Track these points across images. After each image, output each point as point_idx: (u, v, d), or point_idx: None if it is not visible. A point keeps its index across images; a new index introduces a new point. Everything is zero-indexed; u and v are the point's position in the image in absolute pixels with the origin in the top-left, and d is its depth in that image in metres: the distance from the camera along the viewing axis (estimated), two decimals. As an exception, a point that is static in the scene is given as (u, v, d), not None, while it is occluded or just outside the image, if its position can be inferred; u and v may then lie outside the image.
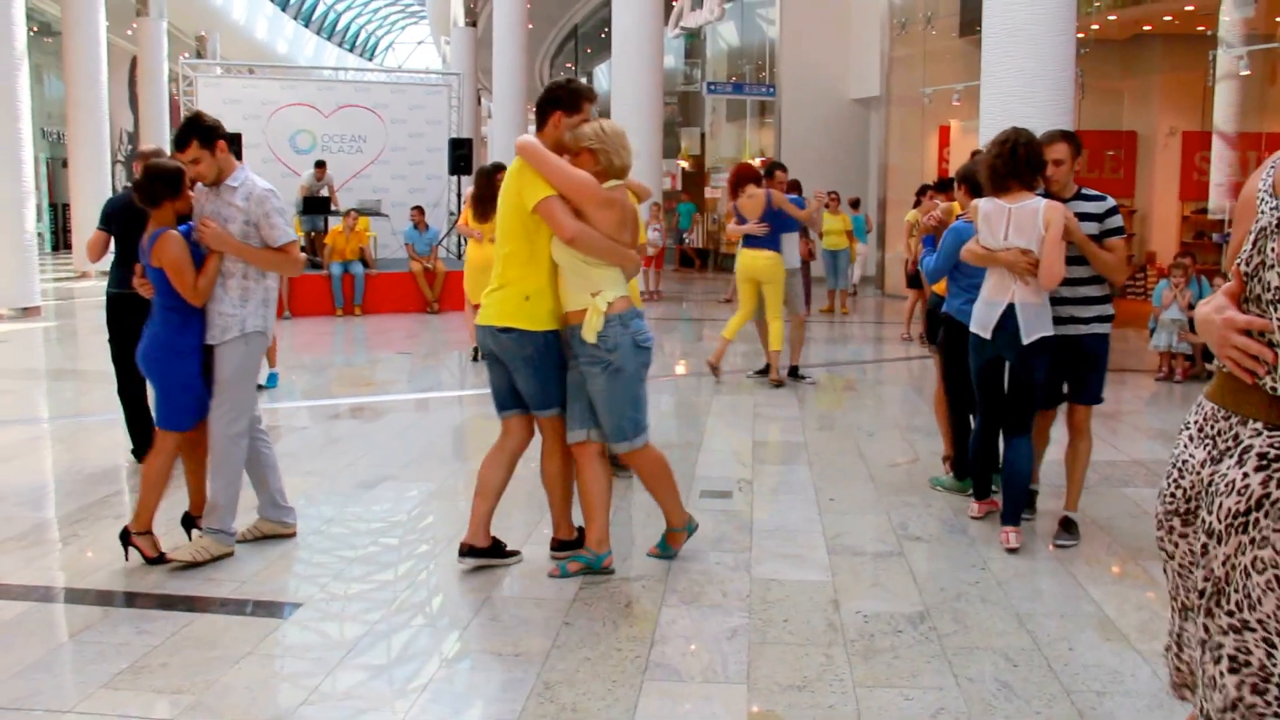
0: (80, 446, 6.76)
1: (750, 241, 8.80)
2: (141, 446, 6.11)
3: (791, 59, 20.45)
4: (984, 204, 4.76)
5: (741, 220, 8.80)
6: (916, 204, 12.92)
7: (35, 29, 28.76)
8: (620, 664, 3.50)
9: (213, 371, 4.47)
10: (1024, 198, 4.61)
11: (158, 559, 4.41)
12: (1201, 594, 2.00)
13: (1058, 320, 4.73)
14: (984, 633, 3.82)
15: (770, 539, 4.87)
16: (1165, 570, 2.25)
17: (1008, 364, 4.76)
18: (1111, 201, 4.82)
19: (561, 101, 4.24)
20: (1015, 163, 4.58)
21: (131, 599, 4.07)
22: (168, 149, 18.43)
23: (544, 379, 4.24)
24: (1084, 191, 4.83)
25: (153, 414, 5.05)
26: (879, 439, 7.10)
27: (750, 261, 8.84)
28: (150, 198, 4.43)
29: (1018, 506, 4.79)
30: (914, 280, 12.22)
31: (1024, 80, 9.34)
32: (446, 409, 8.42)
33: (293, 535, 4.79)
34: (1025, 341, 4.63)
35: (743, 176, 8.92)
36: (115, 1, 24.22)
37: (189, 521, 4.67)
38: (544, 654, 3.57)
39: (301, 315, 13.89)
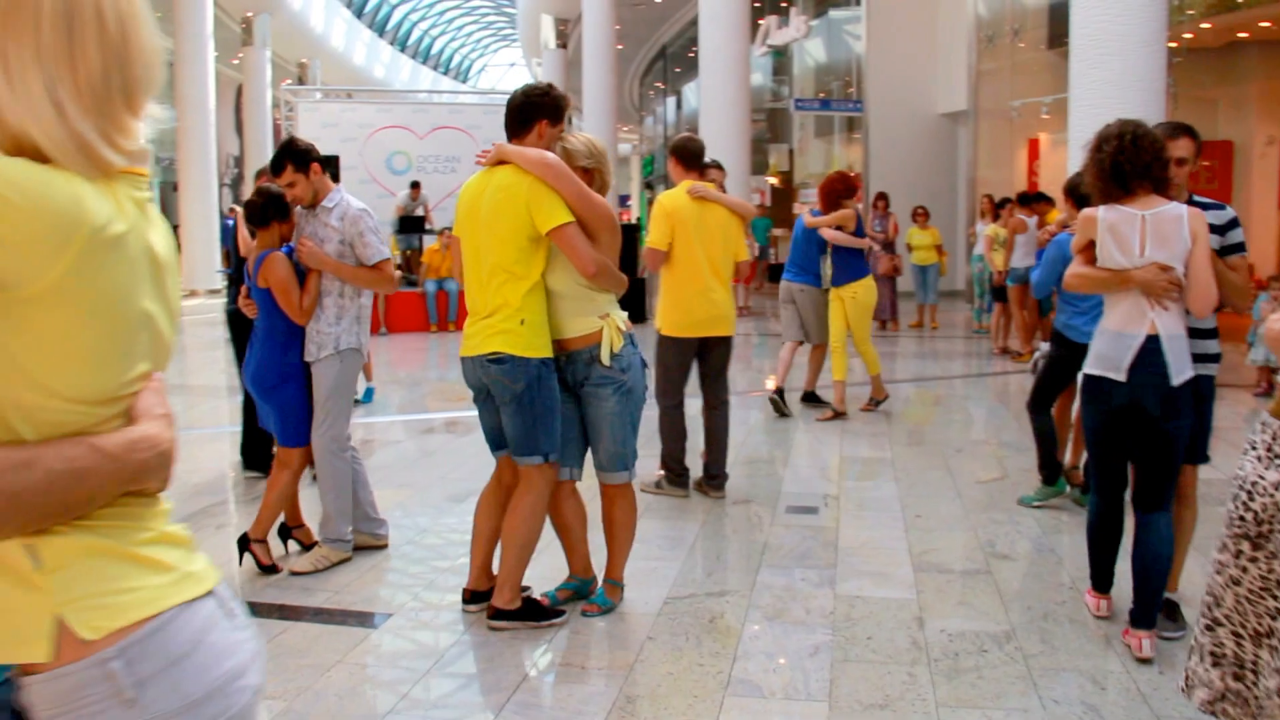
0: (187, 458, 7.03)
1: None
2: (251, 459, 6.35)
3: (878, 74, 20.30)
4: (1105, 213, 3.73)
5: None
6: (995, 217, 12.74)
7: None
8: (702, 679, 3.53)
9: (311, 388, 4.64)
10: (1157, 202, 3.70)
11: (270, 568, 4.62)
12: None
13: None
14: (1071, 654, 3.74)
15: (855, 556, 4.84)
16: (1220, 594, 2.10)
17: (1141, 414, 3.73)
18: (1233, 212, 4.04)
19: (547, 110, 3.87)
20: (1141, 158, 3.67)
21: (231, 606, 4.22)
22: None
23: (532, 418, 3.81)
24: (1197, 199, 3.98)
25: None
26: (967, 455, 7.00)
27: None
28: (260, 219, 4.63)
29: (1153, 603, 3.76)
30: (1000, 293, 12.04)
31: (1113, 91, 9.13)
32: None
33: (384, 547, 4.93)
34: (1175, 383, 3.66)
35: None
36: (223, 33, 25.18)
37: (286, 533, 4.87)
38: (627, 667, 3.62)
39: (397, 331, 14.24)
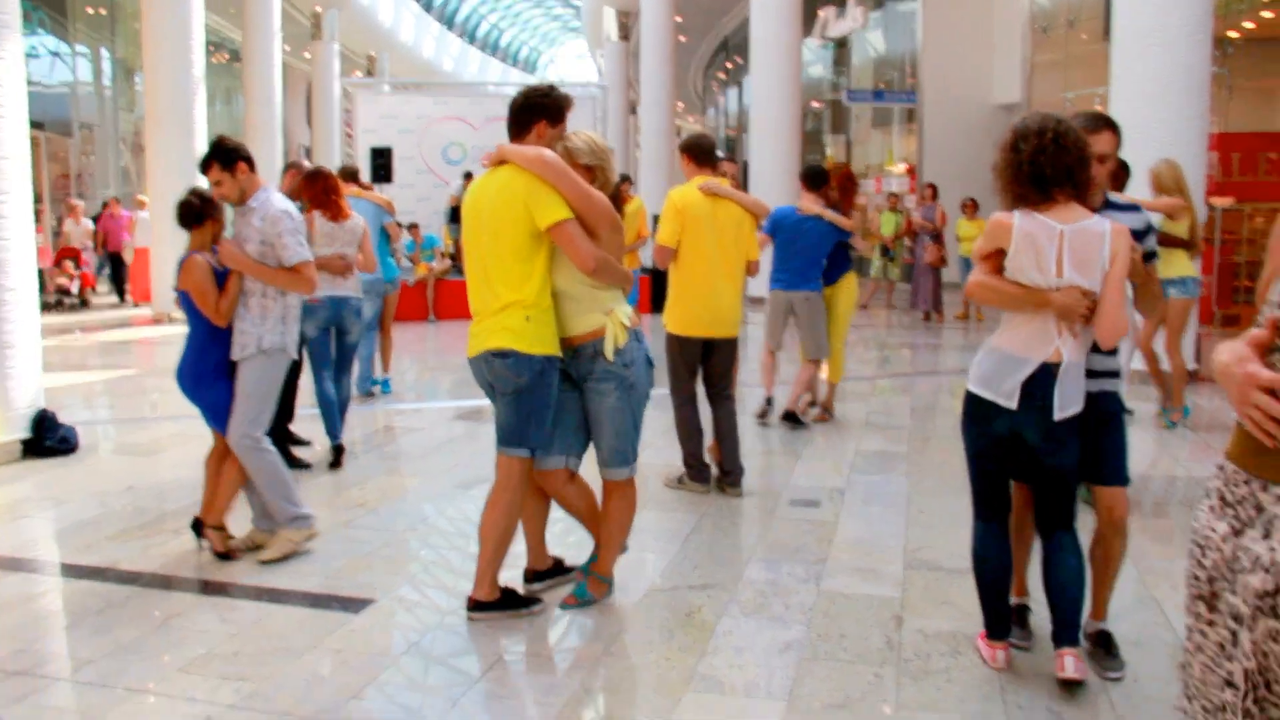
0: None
1: None
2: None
3: (933, 65, 20.04)
4: (1022, 221, 3.28)
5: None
6: None
7: (227, 56, 30.82)
8: (665, 674, 3.55)
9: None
10: (1078, 214, 3.27)
11: (225, 554, 4.69)
12: (1240, 691, 1.72)
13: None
14: (1047, 657, 3.68)
15: (848, 551, 4.82)
16: (1189, 660, 1.85)
17: (1023, 445, 3.44)
18: (1149, 216, 3.69)
19: (547, 110, 3.88)
20: (1064, 159, 3.22)
21: (224, 589, 4.35)
22: (338, 162, 19.50)
23: (526, 412, 3.86)
24: (1112, 199, 3.64)
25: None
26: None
27: None
28: (194, 218, 4.69)
29: (1073, 619, 3.50)
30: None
31: (1156, 84, 8.91)
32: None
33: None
34: (1058, 417, 3.33)
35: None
36: (294, 28, 25.66)
37: (197, 527, 4.82)
38: (593, 660, 3.66)
39: (446, 319, 14.43)
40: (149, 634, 3.85)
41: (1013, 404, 3.34)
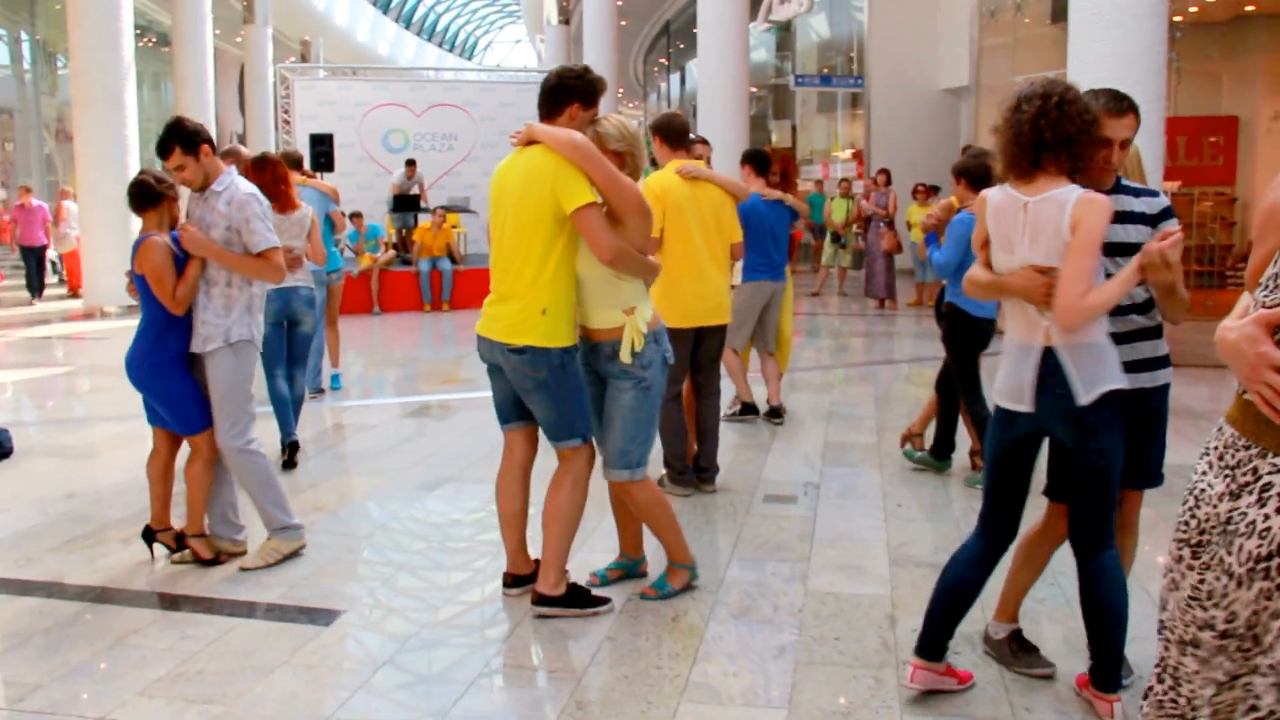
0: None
1: None
2: None
3: (880, 50, 20.04)
4: (993, 194, 3.11)
5: None
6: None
7: (153, 40, 29.93)
8: (658, 683, 3.39)
9: (206, 383, 4.43)
10: (1050, 186, 2.98)
11: (212, 561, 4.46)
12: (1221, 634, 1.84)
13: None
14: (1049, 658, 3.58)
15: (830, 548, 4.69)
16: (1165, 597, 2.00)
17: (1051, 441, 3.20)
18: (1166, 200, 3.30)
19: (581, 92, 3.80)
20: (1064, 128, 2.94)
21: (181, 603, 4.10)
22: (272, 148, 18.96)
23: (564, 403, 3.79)
24: (1125, 183, 3.28)
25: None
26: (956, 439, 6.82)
27: None
28: (150, 199, 4.43)
29: (1116, 659, 3.17)
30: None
31: (1114, 66, 8.89)
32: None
33: (243, 553, 4.58)
34: (1083, 401, 2.99)
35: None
36: (225, 11, 24.95)
37: (149, 535, 4.58)
38: (581, 670, 3.48)
39: (391, 311, 14.11)
40: (103, 654, 3.60)
41: (1026, 405, 3.07)
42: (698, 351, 5.50)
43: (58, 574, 4.41)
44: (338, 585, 4.30)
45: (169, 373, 4.40)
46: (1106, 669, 3.17)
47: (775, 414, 7.28)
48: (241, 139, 34.38)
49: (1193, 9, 14.97)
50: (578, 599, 3.92)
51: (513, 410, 3.99)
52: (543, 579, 3.89)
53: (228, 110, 32.10)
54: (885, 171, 14.78)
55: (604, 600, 3.97)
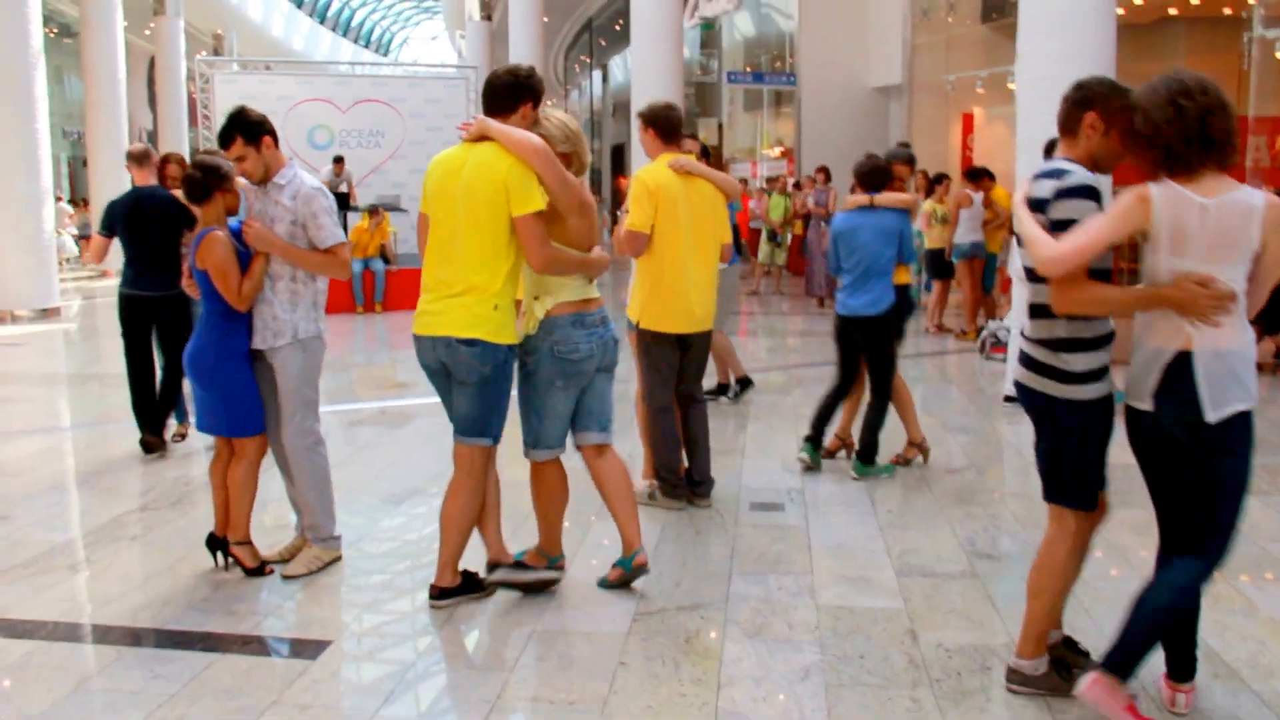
0: (98, 459, 6.45)
1: None
2: (149, 442, 6.34)
3: (810, 48, 20.06)
4: (1160, 192, 2.85)
5: None
6: (929, 193, 12.49)
7: (55, 30, 28.68)
8: (686, 712, 3.16)
9: (272, 379, 4.28)
10: (1223, 185, 2.83)
11: (258, 570, 4.27)
12: None
13: None
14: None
15: (831, 559, 4.51)
16: None
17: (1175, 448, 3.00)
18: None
19: (533, 92, 3.86)
20: (1230, 125, 2.83)
21: (147, 637, 3.74)
22: (185, 148, 18.30)
23: (489, 402, 3.84)
24: None
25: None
26: (930, 441, 6.71)
27: None
28: (201, 194, 4.24)
29: (1194, 650, 3.20)
30: (940, 271, 11.82)
31: (1063, 64, 8.90)
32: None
33: (338, 558, 4.47)
34: (1210, 419, 2.86)
35: None
36: (133, 2, 24.01)
37: (214, 543, 4.38)
38: (601, 701, 3.23)
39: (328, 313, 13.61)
40: (65, 701, 3.24)
41: (1147, 404, 2.96)
42: (683, 358, 5.23)
43: (0, 608, 4.01)
44: (317, 612, 3.98)
45: (234, 367, 4.24)
46: (1185, 660, 3.17)
47: (744, 385, 7.75)
48: (152, 136, 33.23)
49: (1120, 11, 15.21)
50: (470, 586, 4.01)
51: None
52: (441, 577, 3.95)
53: (137, 106, 30.95)
54: (824, 169, 14.73)
55: (490, 585, 4.06)
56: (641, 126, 5.16)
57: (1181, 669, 3.19)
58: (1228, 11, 15.01)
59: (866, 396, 5.97)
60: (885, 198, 5.72)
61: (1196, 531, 2.98)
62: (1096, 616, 3.87)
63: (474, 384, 3.81)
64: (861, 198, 5.77)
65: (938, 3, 17.26)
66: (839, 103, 19.78)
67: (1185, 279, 2.82)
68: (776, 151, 22.36)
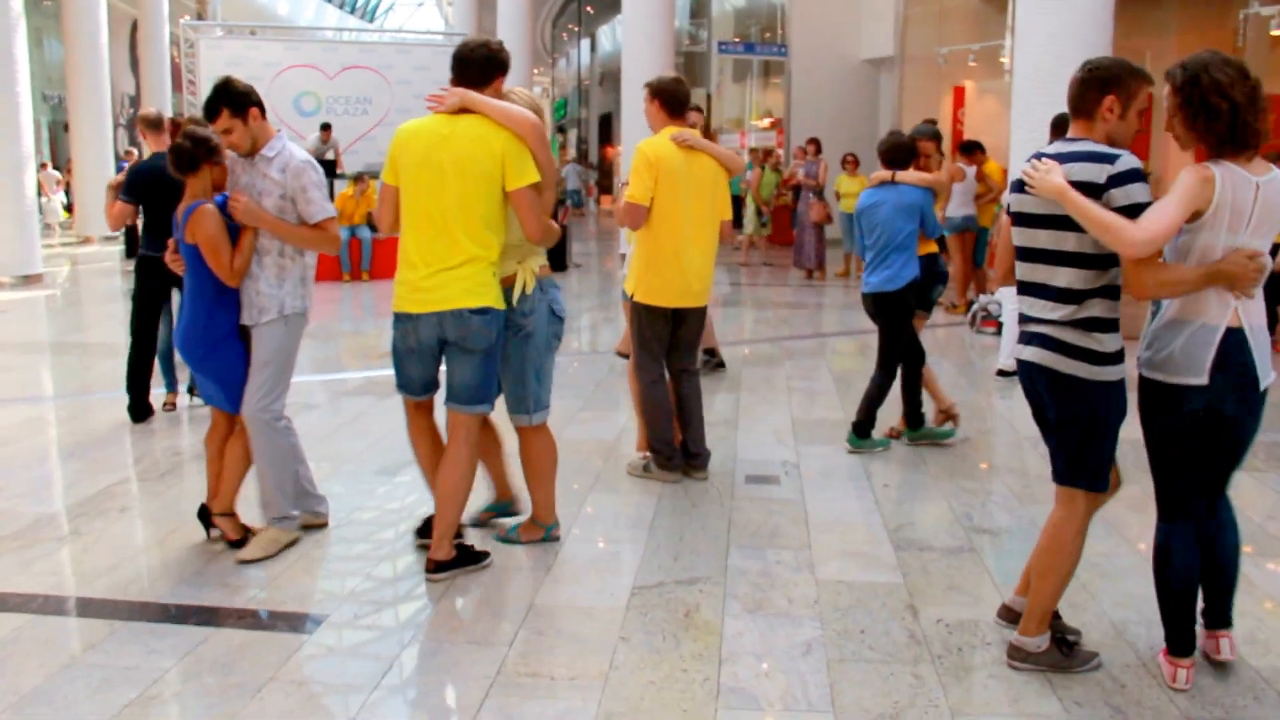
0: (84, 429, 6.37)
1: None
2: (138, 409, 6.36)
3: (802, 19, 19.93)
4: (1222, 172, 2.95)
5: None
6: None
7: (33, -10, 28.22)
8: (688, 688, 3.14)
9: (250, 353, 4.20)
10: (1261, 166, 3.00)
11: (240, 541, 4.23)
12: None
13: None
14: (1090, 644, 3.43)
15: (829, 533, 4.49)
16: None
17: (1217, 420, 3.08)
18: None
19: (505, 66, 3.91)
20: (1260, 111, 2.98)
21: (140, 611, 3.69)
22: (169, 111, 18.05)
23: (490, 369, 3.94)
24: None
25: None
26: (923, 414, 6.70)
27: None
28: (189, 163, 4.13)
29: (1232, 598, 3.34)
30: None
31: (1061, 42, 8.82)
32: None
33: (324, 525, 4.49)
34: (1264, 384, 3.05)
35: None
36: (112, -38, 23.66)
37: (205, 515, 4.35)
38: (601, 677, 3.21)
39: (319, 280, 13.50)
40: (58, 675, 3.19)
41: (1203, 378, 3.00)
42: (676, 332, 5.18)
43: (-12, 580, 3.96)
44: (312, 585, 3.94)
45: (225, 348, 4.17)
46: (1224, 609, 3.31)
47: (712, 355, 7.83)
48: (134, 101, 32.80)
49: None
50: (467, 558, 4.02)
51: (431, 385, 4.09)
52: (437, 549, 3.95)
53: (119, 71, 30.48)
54: (815, 141, 14.64)
55: (486, 554, 4.10)
56: (648, 98, 5.09)
57: (1226, 615, 3.32)
58: (1219, -12, 14.98)
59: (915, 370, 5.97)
60: (908, 175, 5.65)
61: (1223, 483, 3.22)
62: (1096, 592, 3.87)
63: (480, 352, 3.84)
64: (884, 174, 5.71)
65: (931, -26, 17.15)
66: (829, 74, 19.68)
67: (1238, 253, 2.94)
68: (765, 123, 22.23)
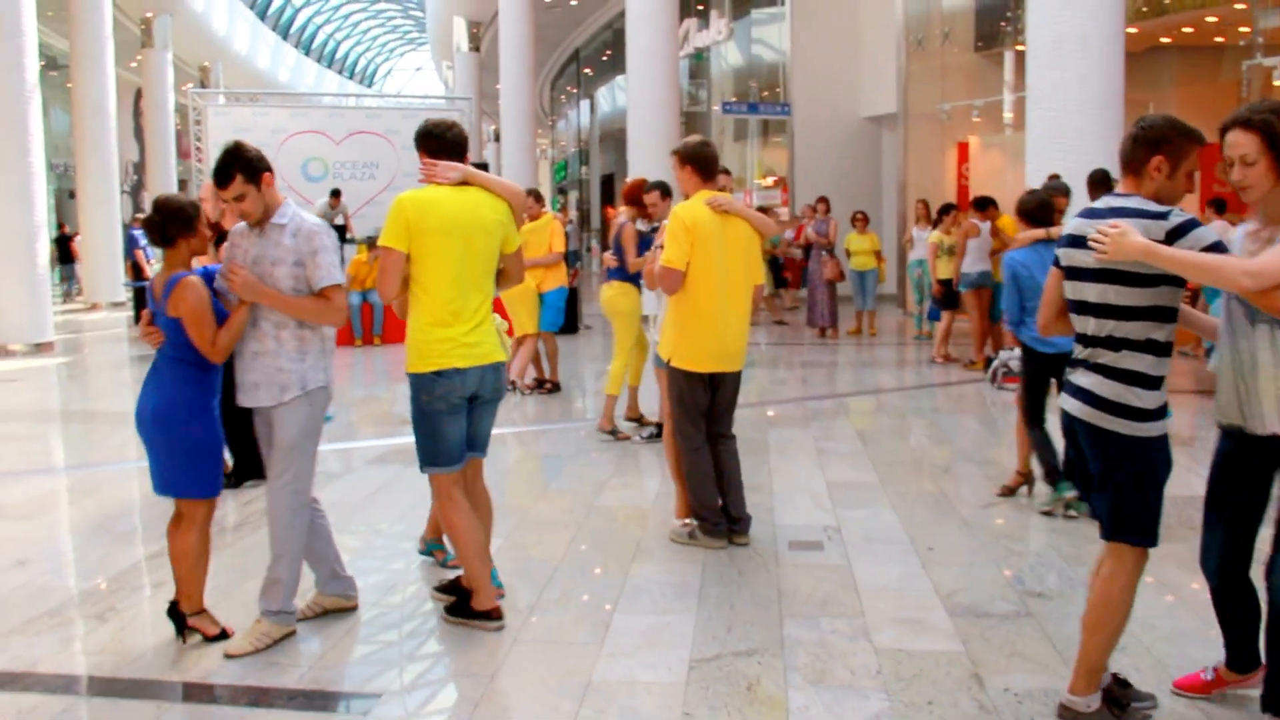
0: (107, 500, 6.30)
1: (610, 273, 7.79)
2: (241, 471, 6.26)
3: (802, 77, 20.17)
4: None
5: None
6: (937, 223, 12.50)
7: (43, 63, 28.52)
8: (760, 767, 3.05)
9: (269, 435, 4.00)
10: None
11: (220, 635, 3.99)
12: None
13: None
14: (1167, 712, 3.34)
15: (880, 599, 4.41)
16: None
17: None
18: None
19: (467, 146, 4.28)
20: None
21: (184, 692, 3.60)
22: (174, 179, 18.15)
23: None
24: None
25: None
26: (955, 475, 6.66)
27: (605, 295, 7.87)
28: (162, 238, 3.94)
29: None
30: (947, 301, 11.82)
31: (1072, 93, 8.96)
32: (496, 449, 7.93)
33: (355, 608, 4.33)
34: None
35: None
36: (120, 34, 23.92)
37: (175, 614, 4.01)
38: (670, 755, 3.12)
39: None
40: (111, 761, 3.11)
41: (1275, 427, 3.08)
42: (714, 397, 5.15)
43: (28, 662, 3.85)
44: (358, 665, 3.84)
45: (202, 424, 3.92)
46: None
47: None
48: (138, 168, 33.07)
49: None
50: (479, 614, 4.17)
51: (465, 446, 4.20)
52: (490, 598, 4.15)
53: (123, 138, 30.79)
54: (824, 199, 14.71)
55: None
56: (678, 164, 5.10)
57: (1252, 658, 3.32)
58: (1220, 40, 15.16)
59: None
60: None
61: None
62: (1150, 645, 3.79)
63: (497, 402, 4.23)
64: (1038, 232, 5.64)
65: (932, 31, 17.36)
66: (832, 132, 19.88)
67: None
68: (769, 181, 22.39)
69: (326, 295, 3.88)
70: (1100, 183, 7.17)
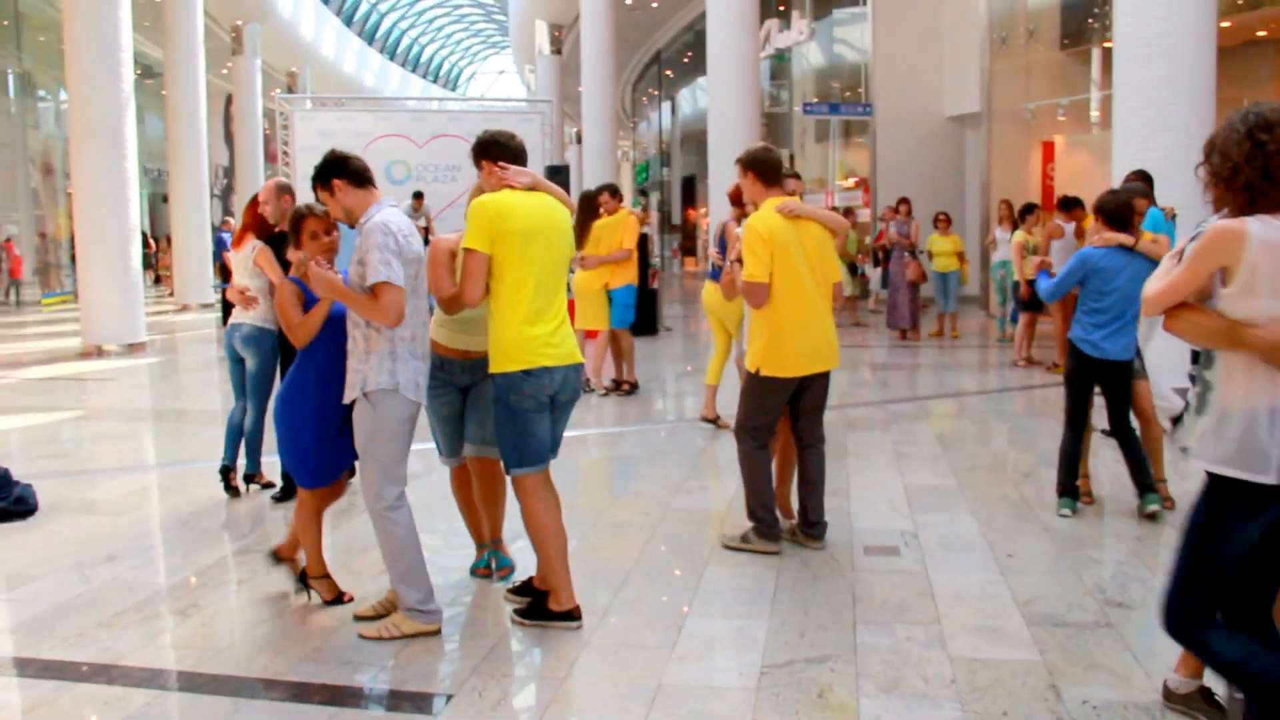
0: (195, 497, 6.46)
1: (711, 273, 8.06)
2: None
3: (884, 77, 19.91)
4: (1257, 228, 2.69)
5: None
6: (1020, 223, 12.22)
7: (139, 71, 29.52)
8: (830, 776, 3.01)
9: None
10: None
11: (336, 600, 4.45)
12: None
13: None
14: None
15: (957, 607, 4.33)
16: None
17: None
18: None
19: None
20: None
21: (265, 688, 3.68)
22: (261, 182, 18.67)
23: None
24: None
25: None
26: (1036, 481, 6.49)
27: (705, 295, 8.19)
28: (296, 242, 4.34)
29: None
30: (1030, 303, 11.54)
31: (1163, 91, 8.68)
32: (572, 450, 7.95)
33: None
34: None
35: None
36: (211, 42, 24.66)
37: (300, 576, 4.57)
38: (739, 762, 3.10)
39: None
40: (192, 753, 3.19)
41: (1273, 477, 2.70)
42: (801, 398, 5.12)
43: (115, 654, 3.97)
44: (435, 663, 3.89)
45: (296, 413, 4.28)
46: None
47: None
48: (228, 172, 34.00)
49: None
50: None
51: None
52: (571, 596, 4.21)
53: (213, 143, 31.70)
54: (906, 200, 14.51)
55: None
56: (741, 172, 5.08)
57: None
58: (1319, 32, 14.61)
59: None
60: (1145, 246, 5.41)
61: None
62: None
63: (574, 403, 4.30)
64: (1123, 237, 5.45)
65: (1017, 30, 17.01)
66: (914, 132, 19.60)
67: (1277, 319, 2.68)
68: (851, 182, 22.17)
69: (375, 292, 3.90)
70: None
